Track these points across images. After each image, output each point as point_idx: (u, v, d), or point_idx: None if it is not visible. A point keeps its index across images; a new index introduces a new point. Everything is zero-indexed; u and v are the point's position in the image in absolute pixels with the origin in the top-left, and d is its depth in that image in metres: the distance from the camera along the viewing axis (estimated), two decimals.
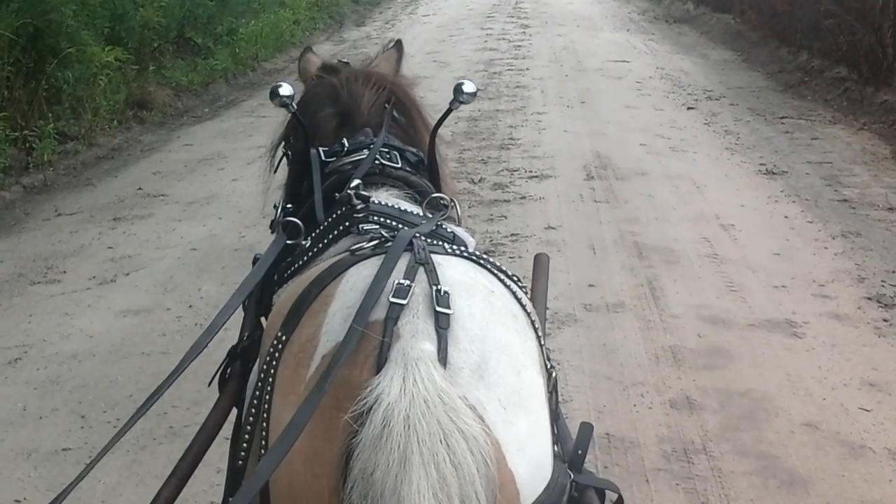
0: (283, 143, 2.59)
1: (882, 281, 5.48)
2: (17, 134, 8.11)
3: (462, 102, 2.32)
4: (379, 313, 1.56)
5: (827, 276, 5.56)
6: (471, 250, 1.89)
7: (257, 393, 1.69)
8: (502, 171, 7.88)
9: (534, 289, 2.27)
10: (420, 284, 1.61)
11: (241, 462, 1.75)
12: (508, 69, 12.95)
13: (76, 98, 9.08)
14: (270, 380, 1.65)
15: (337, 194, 2.13)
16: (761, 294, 5.34)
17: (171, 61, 11.64)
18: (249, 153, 7.93)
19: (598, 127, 9.52)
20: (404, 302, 1.56)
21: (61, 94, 8.86)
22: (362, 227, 2.01)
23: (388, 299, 1.57)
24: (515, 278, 1.83)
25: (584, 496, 1.81)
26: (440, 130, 2.42)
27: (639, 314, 5.09)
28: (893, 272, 5.61)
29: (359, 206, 2.06)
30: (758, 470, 3.69)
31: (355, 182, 2.11)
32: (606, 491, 1.90)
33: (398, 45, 2.79)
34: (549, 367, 1.77)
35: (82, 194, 7.60)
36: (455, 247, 1.88)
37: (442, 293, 1.58)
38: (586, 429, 1.91)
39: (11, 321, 5.16)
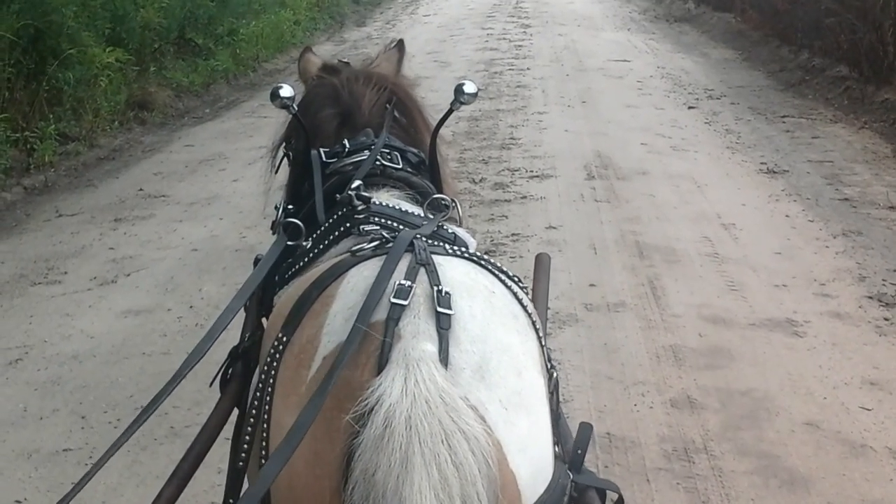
0: (283, 144, 2.59)
1: (883, 280, 5.48)
2: (18, 135, 8.11)
3: (463, 103, 2.31)
4: (380, 314, 1.56)
5: (828, 275, 5.56)
6: (472, 251, 1.89)
7: (258, 394, 1.69)
8: (503, 170, 7.88)
9: (535, 289, 2.27)
10: (421, 285, 1.61)
11: (241, 463, 1.75)
12: (509, 69, 12.94)
13: (77, 99, 9.07)
14: (271, 381, 1.65)
15: (338, 195, 2.12)
16: (762, 293, 5.33)
17: (171, 62, 11.64)
18: (250, 154, 7.93)
19: (599, 126, 9.51)
20: (405, 303, 1.56)
21: (62, 95, 8.86)
22: (363, 228, 2.01)
23: (389, 300, 1.57)
24: (516, 279, 1.83)
25: (584, 496, 1.81)
26: (441, 130, 2.41)
27: (640, 314, 5.09)
28: (894, 271, 5.61)
29: (360, 207, 2.06)
30: (759, 469, 3.69)
31: (356, 183, 2.11)
32: (607, 491, 1.90)
33: (399, 45, 2.78)
34: (549, 367, 1.77)
35: (83, 195, 7.60)
36: (456, 247, 1.87)
37: (443, 294, 1.58)
38: (586, 428, 1.91)
39: (12, 322, 5.17)
